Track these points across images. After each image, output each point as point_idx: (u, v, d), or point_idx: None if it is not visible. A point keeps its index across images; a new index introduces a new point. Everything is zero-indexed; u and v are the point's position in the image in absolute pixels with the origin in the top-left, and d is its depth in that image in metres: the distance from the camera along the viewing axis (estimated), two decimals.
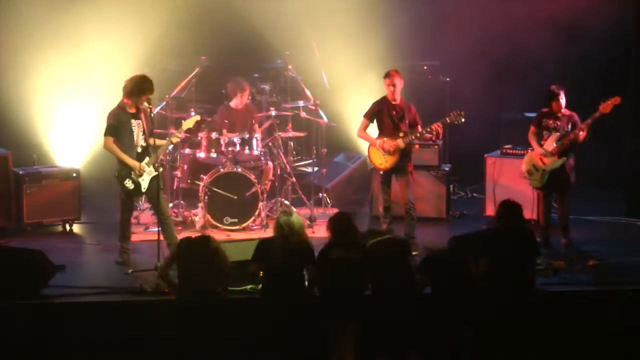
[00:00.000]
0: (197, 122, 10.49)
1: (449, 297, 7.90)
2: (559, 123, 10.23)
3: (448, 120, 10.21)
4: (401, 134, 10.20)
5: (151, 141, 9.69)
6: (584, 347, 8.49)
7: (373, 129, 10.57)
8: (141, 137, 9.69)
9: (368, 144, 10.49)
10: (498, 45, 12.81)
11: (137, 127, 9.66)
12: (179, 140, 10.28)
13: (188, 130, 10.43)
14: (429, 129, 10.10)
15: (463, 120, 10.22)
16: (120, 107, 9.67)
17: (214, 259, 7.91)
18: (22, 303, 8.40)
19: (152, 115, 9.73)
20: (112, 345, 8.24)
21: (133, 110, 9.67)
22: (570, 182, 10.31)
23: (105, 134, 9.64)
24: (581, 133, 10.07)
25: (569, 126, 10.20)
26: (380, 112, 10.33)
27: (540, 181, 10.33)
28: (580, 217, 11.34)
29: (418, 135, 10.23)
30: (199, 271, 7.86)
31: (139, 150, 9.68)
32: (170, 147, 10.42)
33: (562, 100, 10.18)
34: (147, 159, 9.68)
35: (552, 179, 10.25)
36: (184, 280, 7.94)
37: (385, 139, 10.28)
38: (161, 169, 9.95)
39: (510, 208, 8.17)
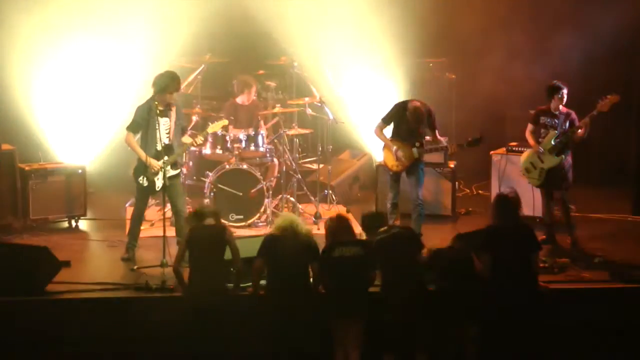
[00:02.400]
0: (202, 120, 10.52)
1: (455, 294, 7.90)
2: (556, 121, 10.19)
3: (465, 145, 10.16)
4: (417, 144, 10.09)
5: (184, 139, 9.69)
6: (587, 345, 8.49)
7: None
8: (165, 135, 9.60)
9: (383, 144, 10.39)
10: (503, 42, 12.80)
11: (162, 125, 9.56)
12: (202, 142, 10.26)
13: (194, 128, 10.45)
14: (448, 150, 10.11)
15: (480, 144, 10.17)
16: (148, 103, 9.61)
17: (227, 247, 7.97)
18: (27, 299, 8.42)
19: (178, 113, 9.63)
20: (117, 342, 8.26)
21: (162, 107, 9.57)
22: (568, 180, 10.27)
23: (127, 128, 9.65)
24: (579, 131, 10.04)
25: (567, 124, 10.17)
26: (399, 118, 10.22)
27: (538, 179, 10.31)
28: (586, 215, 11.33)
29: (431, 148, 10.18)
30: (210, 260, 7.90)
31: (159, 148, 9.58)
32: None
33: (564, 96, 10.14)
34: (166, 157, 9.59)
35: (551, 177, 10.22)
36: (195, 270, 7.94)
37: (400, 144, 10.16)
38: (179, 170, 9.86)
39: (504, 203, 8.17)
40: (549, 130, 10.21)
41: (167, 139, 9.62)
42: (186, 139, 9.90)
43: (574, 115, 10.18)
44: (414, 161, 10.11)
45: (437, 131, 10.21)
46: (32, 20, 11.91)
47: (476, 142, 10.15)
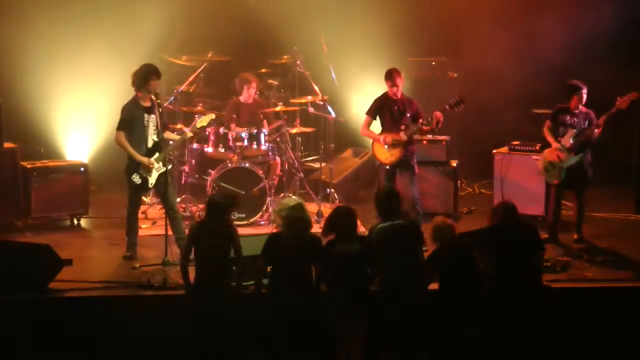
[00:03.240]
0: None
1: (456, 293, 7.89)
2: (575, 119, 10.21)
3: (448, 108, 10.15)
4: (402, 127, 10.17)
5: (165, 135, 9.71)
6: (588, 344, 8.47)
7: (376, 126, 10.55)
8: (153, 132, 9.66)
9: (372, 141, 10.46)
10: (505, 40, 12.79)
11: (150, 122, 9.63)
12: (192, 137, 10.33)
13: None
14: (429, 119, 10.08)
15: (462, 106, 10.15)
16: (134, 101, 9.66)
17: (234, 241, 7.97)
18: (29, 297, 8.42)
19: (160, 110, 9.70)
20: (119, 340, 8.26)
21: (147, 104, 9.63)
22: (588, 179, 10.29)
23: (118, 128, 9.65)
24: (597, 130, 10.06)
25: (586, 123, 10.17)
26: (382, 108, 10.32)
27: (557, 177, 10.30)
28: (589, 214, 11.32)
29: (419, 126, 10.18)
30: (216, 258, 7.90)
31: (150, 145, 9.67)
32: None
33: (584, 96, 10.15)
34: (157, 154, 9.66)
35: (570, 175, 10.23)
36: (200, 268, 7.95)
37: (387, 134, 10.26)
38: (170, 166, 9.93)
39: (505, 207, 8.17)
40: (567, 129, 10.22)
41: (156, 135, 9.66)
42: (172, 136, 9.97)
43: (592, 114, 10.20)
44: (404, 148, 10.10)
45: (421, 120, 10.20)
46: (34, 19, 11.92)
47: (458, 103, 10.10)
